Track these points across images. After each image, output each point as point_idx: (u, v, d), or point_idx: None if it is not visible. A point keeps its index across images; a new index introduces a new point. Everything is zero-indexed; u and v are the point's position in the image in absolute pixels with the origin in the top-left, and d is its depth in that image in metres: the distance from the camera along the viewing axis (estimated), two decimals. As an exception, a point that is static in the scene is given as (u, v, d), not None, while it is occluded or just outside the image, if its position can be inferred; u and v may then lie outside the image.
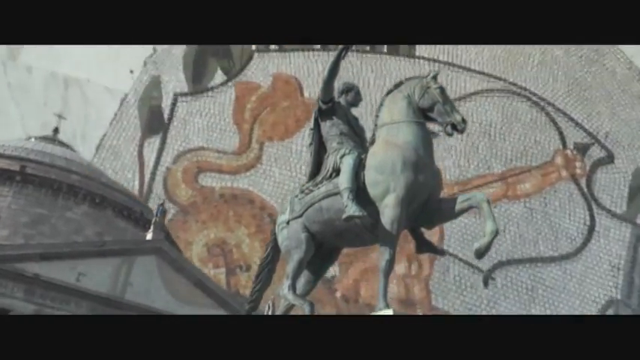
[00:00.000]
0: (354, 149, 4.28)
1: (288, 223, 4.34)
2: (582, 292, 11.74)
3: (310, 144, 4.44)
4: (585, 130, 12.70)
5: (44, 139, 11.35)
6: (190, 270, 9.67)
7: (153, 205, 11.82)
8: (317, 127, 4.44)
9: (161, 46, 13.53)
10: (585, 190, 12.46)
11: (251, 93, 12.92)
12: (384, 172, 4.06)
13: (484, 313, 11.64)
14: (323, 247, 4.31)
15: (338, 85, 4.50)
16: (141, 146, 12.66)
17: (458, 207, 4.04)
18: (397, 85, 4.38)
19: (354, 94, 4.53)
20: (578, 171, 12.05)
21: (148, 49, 13.58)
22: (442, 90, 4.22)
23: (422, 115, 4.24)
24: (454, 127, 4.14)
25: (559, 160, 12.17)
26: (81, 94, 12.03)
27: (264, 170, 12.59)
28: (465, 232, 9.57)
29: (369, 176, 4.12)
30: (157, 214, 9.87)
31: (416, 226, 4.23)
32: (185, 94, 13.03)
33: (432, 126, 4.17)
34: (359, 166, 4.16)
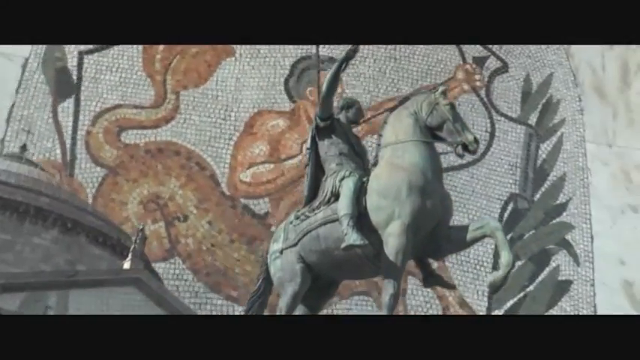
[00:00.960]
0: (354, 171, 3.94)
1: (281, 252, 4.03)
2: (487, 192, 13.21)
3: (306, 165, 4.10)
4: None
5: (9, 156, 10.28)
6: (172, 303, 8.89)
7: (81, 177, 11.49)
8: (314, 147, 4.08)
9: (54, 3, 12.28)
10: (485, 99, 13.63)
11: (158, 43, 12.58)
12: (388, 196, 3.72)
13: None
14: (320, 280, 4.02)
15: (337, 100, 4.15)
16: (54, 112, 12.01)
17: (469, 236, 3.74)
18: (402, 101, 4.22)
19: (355, 110, 4.16)
20: (477, 83, 13.08)
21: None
22: (452, 107, 3.90)
23: (430, 134, 3.90)
24: (465, 147, 3.81)
25: (460, 74, 13.12)
26: (-27, 65, 11.03)
27: (184, 119, 12.62)
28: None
29: (372, 201, 3.78)
30: (136, 241, 8.99)
31: (423, 257, 3.93)
32: (90, 52, 12.41)
33: (440, 147, 3.89)
34: (360, 190, 3.82)
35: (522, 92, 13.98)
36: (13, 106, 11.24)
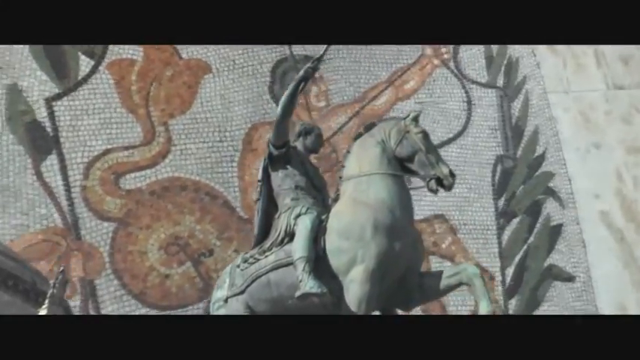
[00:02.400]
0: (312, 208, 3.54)
1: (226, 300, 3.60)
2: (478, 159, 13.82)
3: (257, 200, 3.72)
4: (440, 15, 13.79)
5: None
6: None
7: (89, 237, 10.65)
8: (266, 179, 3.69)
9: (-5, 47, 10.88)
10: (455, 70, 14.07)
11: (128, 72, 11.69)
12: (351, 237, 3.31)
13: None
14: None
15: (294, 125, 3.77)
16: (39, 173, 10.66)
17: (444, 283, 3.38)
18: (368, 128, 3.60)
19: (314, 137, 3.81)
20: (445, 56, 13.39)
21: (-21, 54, 10.72)
22: (425, 135, 3.50)
23: (399, 166, 3.52)
24: (439, 181, 3.45)
25: (428, 51, 13.38)
26: None
27: (180, 151, 12.08)
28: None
29: (332, 243, 3.38)
30: (54, 285, 7.56)
31: (390, 307, 3.53)
32: (58, 96, 11.30)
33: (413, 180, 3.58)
34: (318, 230, 3.41)
35: (485, 57, 14.52)
36: (-12, 177, 9.81)
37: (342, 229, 3.40)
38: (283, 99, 3.64)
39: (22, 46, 10.27)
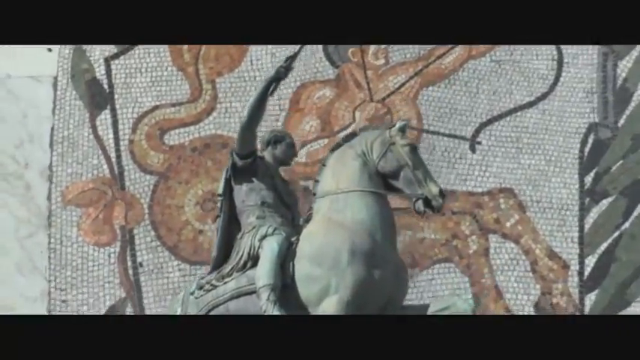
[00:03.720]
0: (280, 228, 3.01)
1: None
2: (563, 127, 11.99)
3: (217, 217, 3.17)
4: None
5: None
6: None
7: (132, 188, 11.34)
8: (228, 193, 3.13)
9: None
10: (547, 23, 12.26)
11: (183, 31, 12.04)
12: (323, 263, 2.83)
13: (478, 178, 12.05)
14: None
15: (263, 132, 3.25)
16: (94, 127, 11.71)
17: None
18: (348, 138, 3.08)
19: (284, 146, 3.21)
20: (536, 6, 11.76)
21: (55, 19, 11.92)
22: (413, 148, 2.96)
23: (382, 182, 2.98)
24: (427, 202, 2.89)
25: None
26: (6, 92, 10.95)
27: (225, 109, 12.06)
28: (440, 105, 9.65)
29: (302, 269, 2.88)
30: None
31: None
32: (116, 56, 11.95)
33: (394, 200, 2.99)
34: (287, 254, 2.91)
35: (589, 6, 12.37)
36: (52, 128, 11.05)
37: (314, 253, 2.90)
38: (251, 101, 3.11)
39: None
